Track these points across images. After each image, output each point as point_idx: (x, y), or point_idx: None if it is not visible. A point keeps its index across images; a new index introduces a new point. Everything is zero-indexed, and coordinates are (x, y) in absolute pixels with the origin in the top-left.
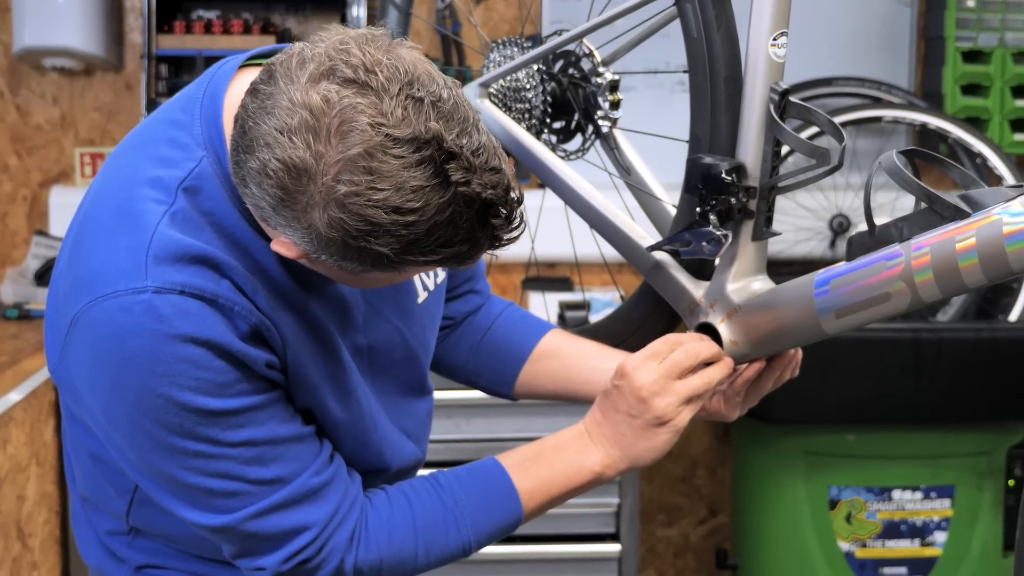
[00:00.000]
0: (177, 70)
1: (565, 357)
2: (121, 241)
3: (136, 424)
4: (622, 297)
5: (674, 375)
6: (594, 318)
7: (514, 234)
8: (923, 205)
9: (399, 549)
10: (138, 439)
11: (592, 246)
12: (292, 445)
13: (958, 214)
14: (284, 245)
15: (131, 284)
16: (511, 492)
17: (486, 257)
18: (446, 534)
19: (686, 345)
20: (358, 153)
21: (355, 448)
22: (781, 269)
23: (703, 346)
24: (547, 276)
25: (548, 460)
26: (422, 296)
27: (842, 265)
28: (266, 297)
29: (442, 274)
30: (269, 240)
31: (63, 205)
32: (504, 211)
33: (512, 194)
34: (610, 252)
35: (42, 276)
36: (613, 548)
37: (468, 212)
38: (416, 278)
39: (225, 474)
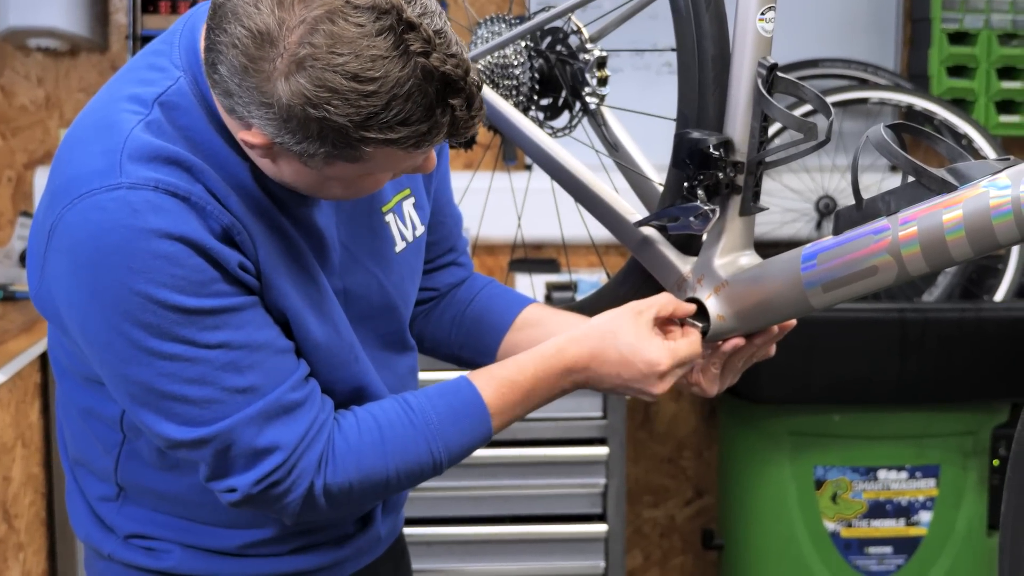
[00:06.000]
0: None
1: (547, 326)
2: (96, 147)
3: (114, 329)
4: (609, 277)
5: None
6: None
7: (473, 120)
8: (910, 179)
9: (369, 472)
10: (116, 346)
11: (579, 227)
12: (269, 355)
13: (945, 187)
14: (251, 134)
15: (105, 182)
16: (483, 413)
17: (471, 236)
18: (418, 456)
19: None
20: (318, 16)
21: (335, 377)
22: (767, 250)
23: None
24: (534, 258)
25: (524, 390)
26: (400, 245)
27: (829, 239)
28: (239, 204)
29: (420, 227)
30: (244, 157)
31: None
32: (464, 93)
33: (472, 76)
34: (597, 232)
35: None
36: (600, 528)
37: (427, 87)
38: (394, 227)
39: (201, 380)
